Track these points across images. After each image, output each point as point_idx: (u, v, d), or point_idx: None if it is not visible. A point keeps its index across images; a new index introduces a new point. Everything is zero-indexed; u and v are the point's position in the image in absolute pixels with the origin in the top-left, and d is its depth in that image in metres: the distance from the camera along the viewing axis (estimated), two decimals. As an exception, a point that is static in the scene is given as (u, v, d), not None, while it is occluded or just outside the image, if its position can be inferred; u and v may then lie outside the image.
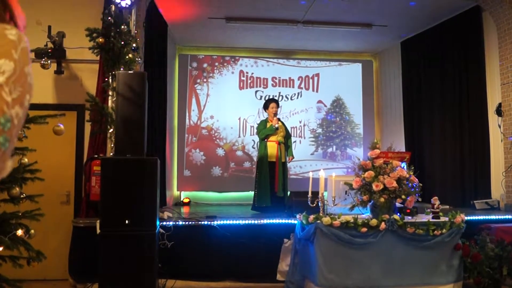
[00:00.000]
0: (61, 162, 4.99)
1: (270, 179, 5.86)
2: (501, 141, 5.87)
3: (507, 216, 4.87)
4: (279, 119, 6.14)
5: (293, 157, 6.26)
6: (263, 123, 6.13)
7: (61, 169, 4.97)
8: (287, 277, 4.14)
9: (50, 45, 4.73)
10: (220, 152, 8.28)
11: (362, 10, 6.57)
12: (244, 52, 8.51)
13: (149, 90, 4.05)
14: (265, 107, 6.28)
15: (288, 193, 5.80)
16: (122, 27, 4.41)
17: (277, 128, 5.97)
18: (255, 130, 7.05)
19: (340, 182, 4.31)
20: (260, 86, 8.55)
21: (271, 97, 7.97)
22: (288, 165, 6.44)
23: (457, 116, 6.66)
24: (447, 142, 6.87)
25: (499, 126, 5.92)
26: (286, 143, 6.10)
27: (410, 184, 3.86)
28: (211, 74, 8.41)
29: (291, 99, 8.59)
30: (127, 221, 3.45)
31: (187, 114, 8.25)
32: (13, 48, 0.71)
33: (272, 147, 5.95)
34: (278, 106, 6.24)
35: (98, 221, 3.56)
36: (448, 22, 6.85)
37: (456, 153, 6.66)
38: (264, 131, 6.00)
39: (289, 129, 6.54)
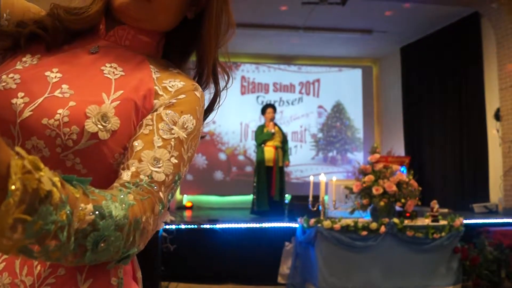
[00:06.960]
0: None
1: (268, 183, 5.92)
2: (499, 145, 5.93)
3: (505, 220, 4.92)
4: (275, 124, 6.21)
5: (289, 162, 6.33)
6: (260, 128, 6.21)
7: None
8: (288, 280, 4.19)
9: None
10: (222, 156, 8.35)
11: (362, 16, 6.66)
12: (246, 58, 8.59)
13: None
14: (262, 112, 6.38)
15: (289, 197, 5.86)
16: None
17: (273, 133, 6.04)
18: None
19: (341, 186, 4.39)
20: (261, 92, 8.62)
21: (272, 102, 8.07)
22: (289, 169, 6.50)
23: (456, 121, 6.73)
24: (446, 147, 6.93)
25: (497, 131, 5.99)
26: (283, 147, 6.17)
27: (410, 188, 3.93)
28: (212, 80, 8.46)
29: (292, 104, 8.66)
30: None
31: (189, 119, 8.32)
32: (197, 105, 0.70)
33: (269, 152, 6.03)
34: (275, 111, 6.31)
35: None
36: (447, 28, 6.94)
37: (455, 157, 6.73)
38: (261, 136, 6.08)
39: (290, 134, 6.60)
